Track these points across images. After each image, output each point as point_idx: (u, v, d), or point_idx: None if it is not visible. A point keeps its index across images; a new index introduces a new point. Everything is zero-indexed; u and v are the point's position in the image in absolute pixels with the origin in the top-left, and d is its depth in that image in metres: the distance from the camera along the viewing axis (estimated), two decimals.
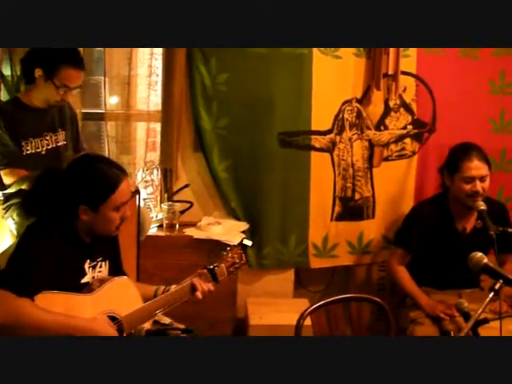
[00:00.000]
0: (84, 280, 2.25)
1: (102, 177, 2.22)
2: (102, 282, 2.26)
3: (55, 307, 2.06)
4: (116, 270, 2.43)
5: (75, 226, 2.25)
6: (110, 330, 2.13)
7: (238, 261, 2.60)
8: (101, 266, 2.34)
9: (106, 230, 2.29)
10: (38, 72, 3.01)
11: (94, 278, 2.29)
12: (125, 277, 2.42)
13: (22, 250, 2.16)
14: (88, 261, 2.29)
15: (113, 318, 2.19)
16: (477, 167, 3.13)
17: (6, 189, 3.05)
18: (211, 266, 2.49)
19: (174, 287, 2.42)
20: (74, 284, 2.19)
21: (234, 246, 2.72)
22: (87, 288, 2.22)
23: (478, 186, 3.11)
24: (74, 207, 2.21)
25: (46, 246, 2.14)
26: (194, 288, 2.40)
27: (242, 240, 2.98)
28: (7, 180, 3.01)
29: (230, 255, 2.59)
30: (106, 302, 2.21)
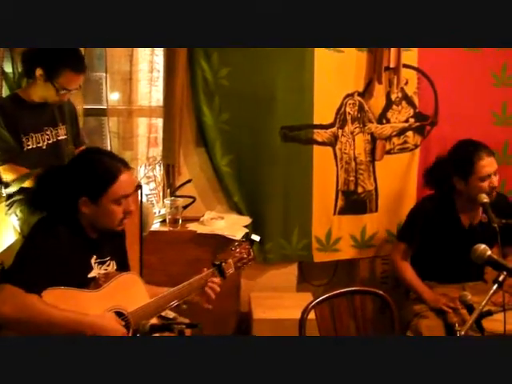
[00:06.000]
0: (91, 275, 2.25)
1: (101, 168, 2.22)
2: (109, 277, 2.26)
3: (63, 303, 2.06)
4: (123, 270, 2.43)
5: (80, 221, 2.26)
6: (118, 327, 2.13)
7: (245, 256, 2.60)
8: (108, 265, 2.35)
9: (108, 223, 2.27)
10: (38, 71, 3.00)
11: (100, 273, 2.29)
12: (132, 273, 2.42)
13: (30, 246, 2.17)
14: (94, 256, 2.29)
15: (120, 314, 2.19)
16: (489, 164, 3.10)
17: (5, 185, 3.05)
18: (218, 262, 2.49)
19: (184, 284, 2.42)
20: (80, 278, 2.20)
21: (242, 241, 2.68)
22: (94, 283, 2.22)
23: (495, 180, 3.11)
24: (75, 199, 2.21)
25: (52, 242, 2.14)
26: (203, 294, 2.42)
27: (250, 235, 2.97)
28: (6, 176, 3.01)
29: (237, 250, 2.58)
30: (113, 297, 2.21)
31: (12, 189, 3.04)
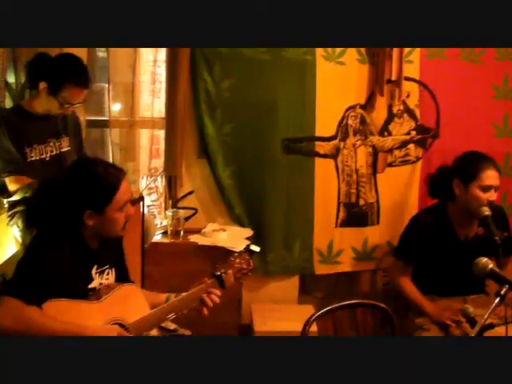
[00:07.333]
0: (91, 285, 2.25)
1: (102, 179, 2.21)
2: (109, 288, 2.26)
3: (64, 315, 2.06)
4: (122, 278, 2.43)
5: (82, 233, 2.25)
6: None
7: (245, 267, 2.58)
8: (108, 274, 2.34)
9: (113, 231, 2.28)
10: (42, 85, 3.01)
11: (101, 284, 2.28)
12: (132, 284, 2.42)
13: (30, 258, 2.16)
14: (95, 267, 2.29)
15: (120, 326, 2.19)
16: (494, 176, 3.06)
17: (10, 196, 3.06)
18: (218, 273, 2.48)
19: (183, 295, 2.41)
20: (81, 290, 2.20)
21: (242, 251, 2.68)
22: (95, 295, 2.22)
23: (495, 195, 3.07)
24: (79, 213, 2.21)
25: (53, 253, 2.14)
26: (202, 302, 2.40)
27: (250, 246, 2.96)
28: (12, 187, 3.01)
29: (237, 261, 2.56)
30: (114, 309, 2.21)
31: (15, 198, 3.04)
